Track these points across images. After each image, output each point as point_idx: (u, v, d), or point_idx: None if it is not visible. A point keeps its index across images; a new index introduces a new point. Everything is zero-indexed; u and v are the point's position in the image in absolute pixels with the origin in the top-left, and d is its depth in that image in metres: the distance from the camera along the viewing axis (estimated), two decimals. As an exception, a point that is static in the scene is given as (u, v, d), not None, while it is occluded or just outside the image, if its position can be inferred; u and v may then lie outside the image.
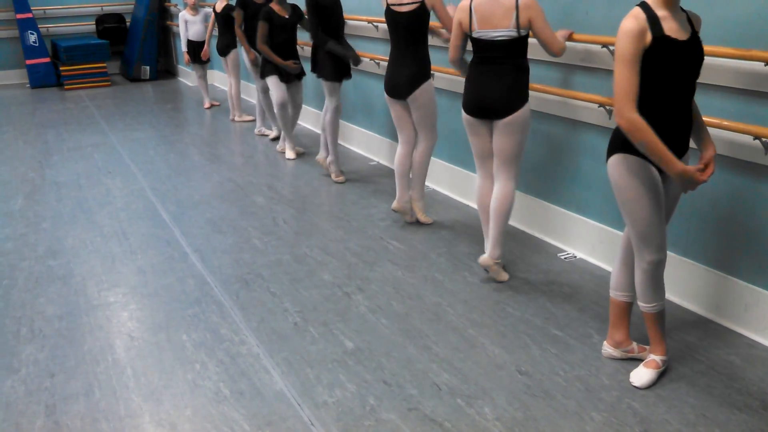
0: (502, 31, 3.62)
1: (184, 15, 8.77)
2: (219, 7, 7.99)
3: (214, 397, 3.04)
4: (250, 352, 3.38)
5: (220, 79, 10.97)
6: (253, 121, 8.46)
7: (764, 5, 3.03)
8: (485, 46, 3.70)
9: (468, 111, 3.84)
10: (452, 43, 3.90)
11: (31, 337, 3.59)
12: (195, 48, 8.86)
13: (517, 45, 3.65)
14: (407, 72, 4.52)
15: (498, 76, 3.70)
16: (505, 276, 4.00)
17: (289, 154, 6.79)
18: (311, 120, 7.97)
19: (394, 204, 4.85)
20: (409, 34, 4.46)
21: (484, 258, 3.93)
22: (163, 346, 3.47)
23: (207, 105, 9.47)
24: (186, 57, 8.91)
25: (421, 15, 4.40)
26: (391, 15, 4.48)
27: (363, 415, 2.88)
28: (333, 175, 5.97)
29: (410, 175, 4.84)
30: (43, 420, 2.92)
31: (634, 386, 2.98)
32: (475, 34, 3.70)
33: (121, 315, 3.82)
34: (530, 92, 4.27)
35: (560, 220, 4.44)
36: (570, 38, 3.88)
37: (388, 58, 4.70)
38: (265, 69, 6.48)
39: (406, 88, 4.54)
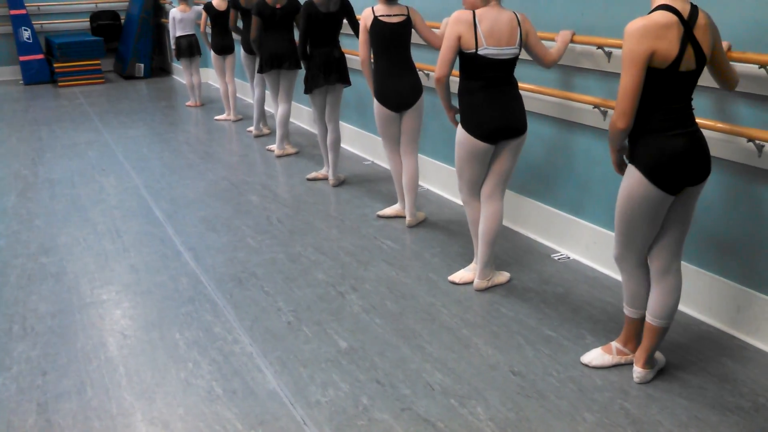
0: (510, 48, 3.55)
1: (174, 12, 8.75)
2: (221, 6, 7.96)
3: (206, 395, 3.03)
4: (244, 351, 3.38)
5: (214, 77, 10.94)
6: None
7: (760, 10, 3.05)
8: (491, 65, 3.54)
9: (483, 137, 3.61)
10: (443, 58, 3.57)
11: (23, 335, 3.58)
12: (185, 43, 8.81)
13: (515, 62, 3.65)
14: (410, 81, 4.66)
15: (511, 95, 3.66)
16: (503, 278, 4.00)
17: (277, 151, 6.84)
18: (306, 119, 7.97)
19: (410, 219, 4.87)
20: (401, 45, 4.60)
21: (478, 283, 3.90)
22: (156, 345, 3.46)
23: (190, 103, 9.41)
24: (174, 52, 8.91)
25: (408, 26, 4.56)
26: (381, 27, 4.52)
27: (356, 414, 2.87)
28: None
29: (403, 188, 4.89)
30: (35, 418, 2.91)
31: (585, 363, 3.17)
32: (481, 51, 3.49)
33: (113, 313, 3.81)
34: (526, 93, 4.30)
35: (554, 220, 4.44)
36: (571, 39, 3.88)
37: (375, 75, 4.68)
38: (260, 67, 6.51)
39: (412, 98, 4.67)
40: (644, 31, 2.57)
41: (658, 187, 2.73)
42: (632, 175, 2.78)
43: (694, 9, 2.64)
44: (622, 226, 2.90)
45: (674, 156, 2.70)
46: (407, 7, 4.60)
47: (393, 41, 4.57)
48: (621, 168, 2.91)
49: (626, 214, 2.84)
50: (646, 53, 2.58)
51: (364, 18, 4.58)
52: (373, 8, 4.57)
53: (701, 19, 2.64)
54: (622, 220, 2.87)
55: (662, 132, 2.71)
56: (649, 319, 2.97)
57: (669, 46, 2.59)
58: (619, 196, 2.85)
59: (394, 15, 4.53)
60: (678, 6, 2.61)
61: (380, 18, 4.52)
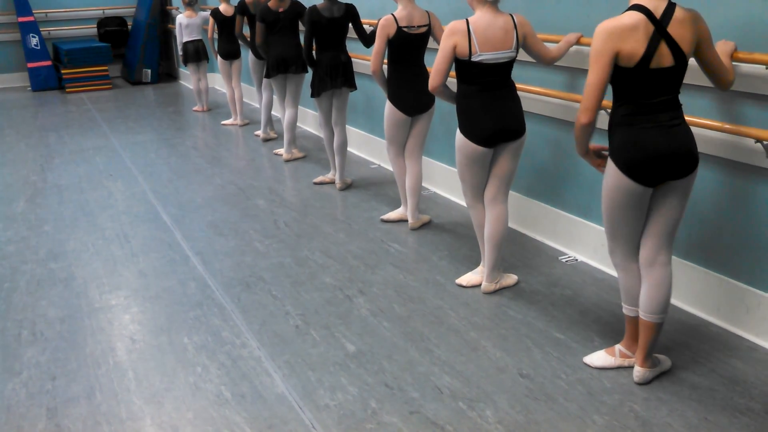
0: (506, 52, 3.55)
1: (181, 18, 8.79)
2: (229, 11, 7.97)
3: (215, 400, 3.04)
4: (252, 355, 3.38)
5: (220, 82, 10.96)
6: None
7: (766, 9, 3.04)
8: (487, 70, 3.54)
9: (480, 141, 3.61)
10: (438, 68, 3.61)
11: (33, 340, 3.59)
12: (192, 48, 8.84)
13: (512, 65, 3.65)
14: (426, 86, 4.64)
15: (508, 98, 3.66)
16: (511, 280, 4.00)
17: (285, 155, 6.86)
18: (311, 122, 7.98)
19: (413, 221, 4.88)
20: (421, 52, 4.62)
21: (486, 286, 3.89)
22: (164, 349, 3.47)
23: (197, 108, 9.44)
24: (182, 57, 8.95)
25: (429, 34, 4.58)
26: (405, 38, 4.49)
27: (364, 418, 2.87)
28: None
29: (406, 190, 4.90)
30: (45, 423, 2.92)
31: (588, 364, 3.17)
32: (475, 58, 3.50)
33: (122, 318, 3.82)
34: (532, 95, 4.30)
35: (562, 223, 4.44)
36: (578, 42, 3.87)
37: (390, 80, 4.66)
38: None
39: (427, 102, 4.69)
40: (609, 33, 2.72)
41: (633, 179, 2.79)
42: (610, 167, 2.87)
43: (670, 6, 2.69)
44: (606, 218, 2.99)
45: (646, 149, 2.75)
46: (428, 12, 4.55)
47: (414, 51, 4.58)
48: (599, 165, 3.01)
49: (608, 206, 2.93)
50: (609, 53, 2.71)
51: (386, 27, 4.47)
52: (395, 17, 4.47)
53: (678, 15, 2.68)
54: (605, 212, 2.97)
55: (634, 126, 2.78)
56: (640, 314, 2.99)
57: (635, 45, 2.68)
58: (602, 189, 2.94)
59: (417, 26, 4.49)
60: (650, 5, 2.68)
61: (404, 29, 4.47)
